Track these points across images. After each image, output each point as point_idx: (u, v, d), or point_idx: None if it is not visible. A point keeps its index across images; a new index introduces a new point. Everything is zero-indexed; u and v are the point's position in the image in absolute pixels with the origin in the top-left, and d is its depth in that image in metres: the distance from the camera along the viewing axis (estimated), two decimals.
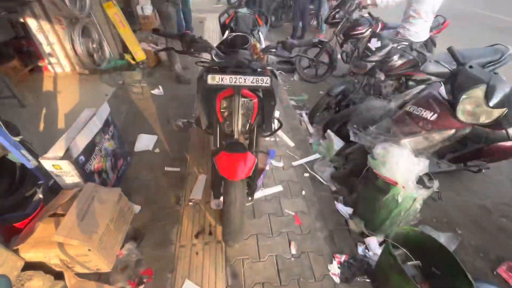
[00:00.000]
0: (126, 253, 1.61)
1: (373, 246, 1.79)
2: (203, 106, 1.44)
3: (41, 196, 1.56)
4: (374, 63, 2.37)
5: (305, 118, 3.10)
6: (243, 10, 2.31)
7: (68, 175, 1.57)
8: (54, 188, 1.67)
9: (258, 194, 2.02)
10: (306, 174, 2.25)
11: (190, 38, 1.26)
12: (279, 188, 2.10)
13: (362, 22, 3.19)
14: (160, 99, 3.13)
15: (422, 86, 1.87)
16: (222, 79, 1.19)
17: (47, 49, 3.03)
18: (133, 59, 3.40)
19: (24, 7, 2.67)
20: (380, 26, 2.80)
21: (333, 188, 2.19)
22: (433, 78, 2.47)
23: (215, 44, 1.55)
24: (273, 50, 1.33)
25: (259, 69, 1.25)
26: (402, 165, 1.63)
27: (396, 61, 2.42)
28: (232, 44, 1.48)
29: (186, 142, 2.51)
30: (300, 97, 3.66)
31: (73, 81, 3.10)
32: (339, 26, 3.37)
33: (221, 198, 1.64)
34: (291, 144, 2.58)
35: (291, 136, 2.69)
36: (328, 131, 2.53)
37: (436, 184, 1.70)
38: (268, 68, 1.26)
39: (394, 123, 1.78)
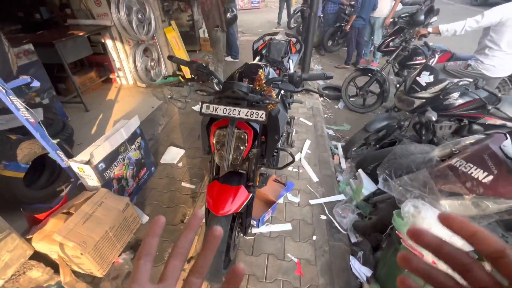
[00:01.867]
0: (122, 262, 1.67)
1: None
2: (203, 133, 1.43)
3: (66, 193, 1.77)
4: (423, 100, 2.01)
5: (340, 151, 2.81)
6: (278, 37, 2.29)
7: (89, 178, 1.75)
8: (81, 187, 1.88)
9: (262, 229, 1.87)
10: (323, 217, 2.00)
11: (197, 66, 1.28)
12: (287, 226, 1.91)
13: (422, 51, 2.80)
14: (198, 116, 3.31)
15: (480, 136, 1.47)
16: (216, 109, 1.16)
17: (117, 64, 3.59)
18: (184, 77, 3.73)
19: (104, 30, 3.24)
20: (436, 58, 2.38)
21: (353, 240, 1.88)
22: (509, 124, 1.96)
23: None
24: (278, 82, 1.24)
25: (258, 102, 1.17)
26: (436, 232, 1.28)
27: (456, 99, 2.01)
28: (245, 73, 1.45)
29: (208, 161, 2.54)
30: (340, 127, 3.38)
31: (132, 92, 3.57)
32: (394, 54, 3.03)
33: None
34: (315, 178, 2.35)
35: (318, 169, 2.46)
36: (359, 171, 2.22)
37: (487, 266, 1.28)
38: (266, 101, 1.17)
39: (433, 177, 1.44)
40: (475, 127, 2.09)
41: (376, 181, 2.15)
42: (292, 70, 2.04)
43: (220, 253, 1.23)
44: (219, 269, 1.26)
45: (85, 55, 3.10)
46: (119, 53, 3.48)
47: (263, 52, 2.16)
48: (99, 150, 1.71)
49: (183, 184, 2.28)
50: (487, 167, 1.25)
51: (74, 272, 1.55)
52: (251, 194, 1.34)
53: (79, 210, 1.52)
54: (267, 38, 2.31)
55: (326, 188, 2.26)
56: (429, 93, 1.96)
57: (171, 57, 1.39)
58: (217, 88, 1.26)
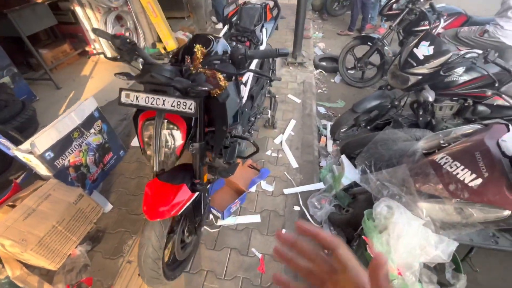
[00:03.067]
0: (78, 254, 1.60)
1: None
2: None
3: (18, 182, 1.66)
4: (420, 77, 1.69)
5: (328, 132, 2.56)
6: (254, 0, 1.93)
7: (39, 167, 1.62)
8: (38, 176, 1.77)
9: (229, 221, 1.74)
10: (297, 208, 1.84)
11: (120, 41, 1.03)
12: (256, 218, 1.77)
13: (428, 15, 2.36)
14: None
15: (476, 126, 1.20)
16: (137, 98, 0.94)
17: (92, 35, 3.29)
18: (164, 48, 3.41)
19: None
20: (441, 23, 1.95)
21: None
22: None
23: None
24: (216, 62, 0.99)
25: (189, 89, 0.94)
26: (407, 240, 1.10)
27: (460, 75, 1.68)
28: (191, 49, 1.19)
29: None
30: (334, 104, 3.08)
31: (107, 66, 3.31)
32: (398, 19, 2.59)
33: None
34: (294, 164, 2.16)
35: (299, 154, 2.25)
36: (342, 156, 2.00)
37: (463, 282, 1.12)
38: (198, 88, 0.93)
39: (412, 174, 1.21)
40: (481, 108, 1.78)
41: None
42: (265, 41, 1.73)
43: (155, 259, 1.10)
44: (157, 275, 1.15)
45: (48, 26, 2.81)
46: (92, 22, 3.16)
47: (234, 19, 1.84)
48: (43, 138, 1.54)
49: (149, 164, 2.13)
50: (477, 168, 1.00)
51: (26, 265, 1.49)
52: (197, 193, 1.18)
53: (20, 205, 1.41)
54: (240, 1, 1.96)
55: (305, 175, 2.07)
56: (427, 69, 1.63)
57: (95, 30, 1.14)
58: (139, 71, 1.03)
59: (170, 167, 1.13)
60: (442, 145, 1.22)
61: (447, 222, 1.11)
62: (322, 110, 2.97)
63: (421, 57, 1.63)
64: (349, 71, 3.33)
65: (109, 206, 1.87)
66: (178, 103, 0.91)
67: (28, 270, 1.47)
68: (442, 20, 1.99)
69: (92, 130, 1.89)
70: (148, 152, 1.07)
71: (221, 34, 1.78)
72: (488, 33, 2.05)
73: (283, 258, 0.35)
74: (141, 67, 1.03)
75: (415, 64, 1.66)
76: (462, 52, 1.60)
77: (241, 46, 0.98)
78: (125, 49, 1.01)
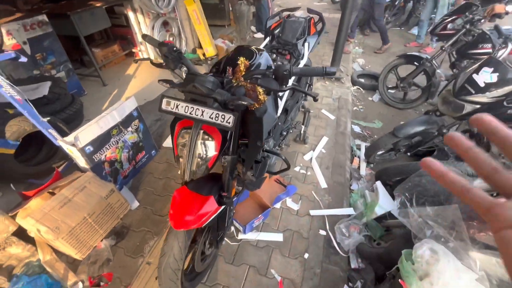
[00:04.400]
0: (102, 247, 1.65)
1: None
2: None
3: (59, 170, 1.77)
4: (478, 106, 1.52)
5: (363, 153, 2.42)
6: (298, 14, 1.90)
7: (79, 159, 1.72)
8: (78, 167, 1.88)
9: (249, 236, 1.69)
10: (322, 232, 1.73)
11: (167, 49, 1.05)
12: (278, 237, 1.69)
13: (491, 38, 2.14)
14: None
15: None
16: (177, 106, 0.94)
17: (139, 38, 3.51)
18: (204, 54, 3.52)
19: (126, 2, 3.13)
20: (508, 49, 1.74)
21: (354, 265, 1.60)
22: None
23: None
24: (258, 76, 0.95)
25: (228, 102, 0.92)
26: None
27: None
28: (232, 60, 1.18)
29: None
30: (370, 124, 2.91)
31: (150, 68, 3.50)
32: (453, 40, 2.39)
33: None
34: (323, 184, 2.05)
35: (329, 174, 2.14)
36: (377, 183, 1.86)
37: None
38: (237, 102, 0.90)
39: (466, 218, 1.06)
40: None
41: None
42: (306, 56, 1.68)
43: (175, 270, 1.08)
44: (176, 285, 1.12)
45: (103, 27, 3.05)
46: (141, 26, 3.37)
47: (276, 31, 1.82)
48: (86, 132, 1.63)
49: (180, 172, 2.16)
50: None
51: (56, 251, 1.57)
52: (223, 207, 1.14)
53: (58, 194, 1.50)
54: (284, 14, 1.94)
55: (334, 197, 1.96)
56: (488, 98, 1.46)
57: (144, 36, 1.18)
58: (182, 79, 1.03)
59: (198, 177, 1.11)
60: None
61: (506, 282, 0.95)
62: (356, 129, 2.82)
63: (482, 85, 1.46)
64: (389, 91, 3.15)
65: (136, 204, 1.92)
66: (217, 115, 0.89)
67: (56, 256, 1.55)
68: (510, 44, 1.78)
69: (130, 129, 1.97)
70: (181, 160, 1.06)
71: (262, 46, 1.78)
72: None
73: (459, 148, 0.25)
74: (184, 76, 1.03)
75: (473, 92, 1.50)
76: None
77: (286, 62, 0.94)
78: (171, 57, 1.03)
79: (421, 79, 2.84)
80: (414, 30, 4.97)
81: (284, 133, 1.73)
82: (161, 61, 1.14)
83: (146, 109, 2.67)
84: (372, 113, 3.09)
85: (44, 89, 2.02)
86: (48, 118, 1.64)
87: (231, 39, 3.84)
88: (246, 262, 1.57)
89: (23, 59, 1.49)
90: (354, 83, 3.48)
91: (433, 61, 2.57)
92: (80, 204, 1.53)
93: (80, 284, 1.49)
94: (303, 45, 1.71)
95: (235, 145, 1.07)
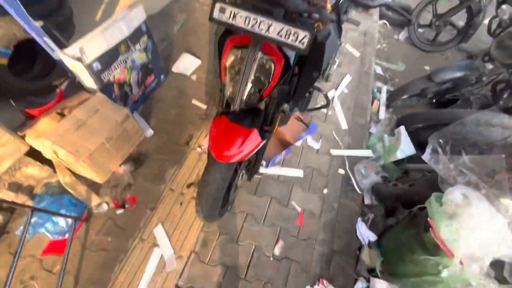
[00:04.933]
0: (121, 172, 1.61)
1: None
2: (220, 47, 1.04)
3: (62, 88, 1.57)
4: None
5: (383, 96, 2.32)
6: None
7: (85, 78, 1.50)
8: (81, 85, 1.66)
9: (271, 170, 1.70)
10: (341, 171, 1.77)
11: None
12: (299, 173, 1.72)
13: None
14: None
15: None
16: (234, 15, 0.74)
17: None
18: None
19: None
20: None
21: (367, 201, 1.70)
22: None
23: None
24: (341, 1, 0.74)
25: (304, 16, 0.73)
26: (480, 236, 1.03)
27: None
28: None
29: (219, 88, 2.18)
30: (393, 66, 2.72)
31: None
32: None
33: None
34: (344, 125, 2.00)
35: (350, 115, 2.08)
36: (401, 128, 1.83)
37: None
38: (324, 17, 0.72)
39: (508, 168, 1.07)
40: None
41: (417, 145, 1.79)
42: None
43: (216, 199, 1.07)
44: (214, 213, 1.14)
45: None
46: None
47: None
48: (91, 45, 1.38)
49: (193, 101, 2.01)
50: None
51: (74, 174, 1.52)
52: (265, 141, 1.07)
53: (71, 115, 1.35)
54: None
55: (354, 139, 1.94)
56: None
57: None
58: None
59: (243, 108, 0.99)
60: None
61: None
62: (378, 70, 2.64)
63: None
64: (419, 29, 2.84)
65: (150, 131, 1.82)
66: (288, 32, 0.72)
67: (75, 178, 1.51)
68: None
69: (138, 46, 1.70)
70: (228, 85, 0.92)
71: None
72: None
73: None
74: None
75: None
76: None
77: None
78: None
79: (460, 19, 2.54)
80: None
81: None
82: None
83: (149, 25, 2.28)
84: (396, 54, 2.86)
85: None
86: (42, 23, 1.34)
87: None
88: (268, 194, 1.62)
89: None
90: (381, 16, 3.09)
91: None
92: (95, 127, 1.40)
93: (105, 205, 1.51)
94: None
95: (291, 73, 0.92)
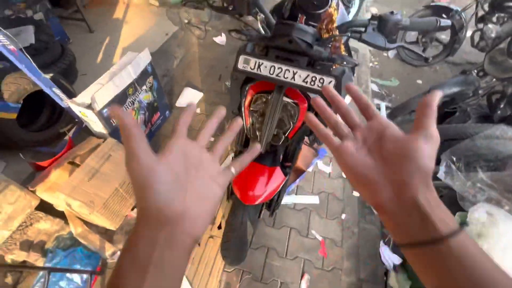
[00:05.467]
0: (134, 216, 1.57)
1: None
2: (235, 89, 1.06)
3: (70, 136, 1.55)
4: None
5: (383, 113, 2.38)
6: None
7: (94, 124, 1.49)
8: (88, 130, 1.65)
9: (286, 200, 1.68)
10: (356, 193, 1.76)
11: None
12: (315, 200, 1.71)
13: None
14: (220, 50, 2.79)
15: None
16: (259, 66, 0.76)
17: None
18: None
19: None
20: None
21: None
22: None
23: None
24: (360, 29, 0.78)
25: (323, 61, 0.76)
26: None
27: None
28: (302, 4, 0.96)
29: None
30: (387, 82, 2.82)
31: (142, 12, 2.96)
32: None
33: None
34: None
35: None
36: None
37: None
38: (340, 61, 0.76)
39: None
40: None
41: None
42: (358, 2, 1.45)
43: (244, 242, 1.04)
44: (242, 256, 1.10)
45: None
46: None
47: None
48: (102, 93, 1.39)
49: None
50: None
51: (86, 223, 1.46)
52: (287, 177, 1.07)
53: (83, 165, 1.32)
54: None
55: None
56: None
57: None
58: (261, 30, 0.83)
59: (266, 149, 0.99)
60: None
61: None
62: (374, 87, 2.73)
63: None
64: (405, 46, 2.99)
65: None
66: (313, 78, 0.74)
67: (88, 228, 1.45)
68: None
69: (144, 87, 1.72)
70: (255, 127, 0.92)
71: None
72: None
73: (313, 124, 0.35)
74: (260, 26, 0.82)
75: None
76: None
77: (395, 12, 0.76)
78: (246, 0, 0.80)
79: (445, 35, 2.70)
80: None
81: None
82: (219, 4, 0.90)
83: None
84: (388, 71, 2.98)
85: (28, 36, 1.63)
86: (51, 75, 1.35)
87: None
88: (287, 224, 1.59)
89: None
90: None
91: (462, 14, 2.41)
92: (109, 174, 1.37)
93: (119, 253, 1.44)
94: None
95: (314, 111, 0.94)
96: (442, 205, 0.27)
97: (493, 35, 1.79)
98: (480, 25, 2.47)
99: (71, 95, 1.53)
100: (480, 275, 0.24)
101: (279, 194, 1.19)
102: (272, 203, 1.22)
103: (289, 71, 0.75)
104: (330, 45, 0.85)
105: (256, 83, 0.87)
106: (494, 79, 1.70)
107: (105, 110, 1.44)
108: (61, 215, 1.40)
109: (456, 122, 1.82)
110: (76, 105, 1.40)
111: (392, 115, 2.23)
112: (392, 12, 0.77)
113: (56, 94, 1.42)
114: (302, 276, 1.41)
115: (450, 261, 0.25)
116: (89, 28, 2.54)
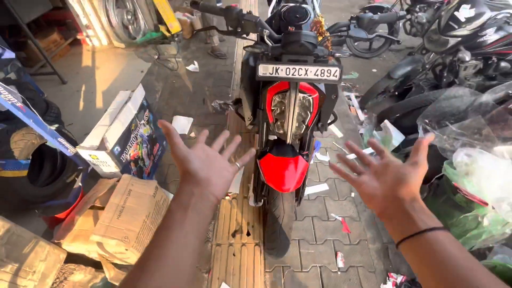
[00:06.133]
0: None
1: None
2: (248, 98, 1.21)
3: (80, 184, 1.53)
4: (459, 39, 1.85)
5: (355, 102, 2.70)
6: None
7: (105, 164, 1.51)
8: (94, 174, 1.64)
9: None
10: None
11: (237, 13, 0.98)
12: (324, 187, 1.87)
13: None
14: (195, 76, 2.94)
15: None
16: (276, 70, 0.92)
17: (84, 21, 2.94)
18: (168, 31, 3.18)
19: None
20: None
21: None
22: None
23: (264, 18, 1.26)
24: (344, 29, 1.00)
25: (325, 56, 0.95)
26: (496, 180, 1.27)
27: (491, 35, 1.86)
28: (288, 19, 1.17)
29: (223, 127, 2.33)
30: (349, 76, 3.20)
31: (110, 55, 3.02)
32: None
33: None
34: (339, 134, 2.26)
35: (340, 124, 2.36)
36: (386, 121, 2.15)
37: None
38: (337, 54, 0.96)
39: (489, 123, 1.38)
40: (503, 64, 2.01)
41: (402, 131, 2.11)
42: (318, 11, 1.73)
43: (289, 228, 1.14)
44: (287, 243, 1.20)
45: (43, 12, 2.45)
46: (84, 6, 2.81)
47: None
48: (111, 132, 1.43)
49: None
50: None
51: (115, 264, 1.43)
52: (308, 164, 1.22)
53: (108, 204, 1.33)
54: None
55: (352, 142, 2.19)
56: (468, 30, 1.79)
57: (195, 4, 1.06)
58: (269, 42, 1.00)
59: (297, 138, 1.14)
60: (511, 95, 1.39)
61: None
62: None
63: (463, 20, 1.77)
64: (355, 43, 3.45)
65: (172, 197, 1.82)
66: (322, 71, 0.92)
67: (120, 270, 1.42)
68: None
69: (142, 121, 1.78)
70: (278, 124, 1.07)
71: (271, 5, 1.75)
72: None
73: (338, 172, 0.54)
74: (266, 40, 0.99)
75: (456, 27, 1.81)
76: (494, 13, 1.78)
77: (367, 11, 0.98)
78: (253, 21, 0.97)
79: (383, 28, 3.18)
80: None
81: None
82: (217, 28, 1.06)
83: None
84: (346, 66, 3.35)
85: (16, 95, 1.61)
86: (56, 126, 1.36)
87: (191, 11, 3.53)
88: (308, 214, 1.72)
89: (10, 54, 1.16)
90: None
91: (393, 9, 2.90)
92: (134, 208, 1.39)
93: None
94: (312, 1, 1.74)
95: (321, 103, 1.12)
96: (427, 210, 0.38)
97: (424, 20, 2.21)
98: (408, 16, 3.00)
99: (73, 143, 1.54)
100: (453, 267, 0.30)
101: (303, 182, 1.33)
102: (299, 192, 1.35)
103: (302, 69, 0.92)
104: (324, 44, 1.05)
105: (272, 86, 1.03)
106: (433, 55, 2.08)
107: (116, 148, 1.47)
108: (91, 263, 1.36)
109: (415, 95, 2.15)
110: (86, 150, 1.42)
111: (363, 101, 2.54)
112: (365, 12, 1.00)
113: (62, 144, 1.43)
114: (336, 255, 1.53)
115: (427, 251, 0.33)
116: (61, 80, 2.52)
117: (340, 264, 1.49)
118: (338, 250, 1.55)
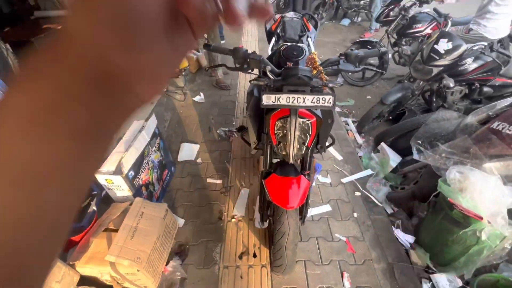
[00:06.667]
0: (171, 270, 1.59)
1: (443, 285, 1.53)
2: (253, 124, 1.35)
3: (95, 208, 1.61)
4: (441, 68, 2.05)
5: (352, 127, 2.85)
6: (290, 14, 2.16)
7: (119, 189, 1.60)
8: (106, 198, 1.73)
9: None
10: (358, 193, 2.04)
11: (243, 53, 1.16)
12: (327, 208, 1.93)
13: (421, 19, 2.82)
14: (201, 106, 3.14)
15: None
16: (278, 99, 1.07)
17: None
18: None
19: None
20: (449, 24, 2.43)
21: (389, 211, 1.95)
22: None
23: (265, 55, 1.45)
24: (335, 63, 1.17)
25: (319, 87, 1.10)
26: (488, 195, 1.35)
27: (470, 64, 2.06)
28: (287, 56, 1.36)
29: (227, 152, 2.45)
30: (345, 103, 3.40)
31: None
32: (393, 24, 3.03)
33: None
34: (339, 157, 2.37)
35: (339, 148, 2.48)
36: (382, 144, 2.27)
37: None
38: (330, 85, 1.11)
39: (475, 143, 1.49)
40: (486, 89, 2.19)
41: (398, 153, 2.22)
42: (312, 49, 1.95)
43: (295, 244, 1.20)
44: (295, 259, 1.24)
45: None
46: None
47: (278, 31, 2.04)
48: (127, 158, 1.55)
49: (208, 180, 2.19)
50: None
51: None
52: (311, 183, 1.31)
53: (123, 225, 1.40)
54: (277, 16, 2.17)
55: (351, 165, 2.29)
56: (448, 60, 2.00)
57: (207, 46, 1.25)
58: (271, 76, 1.16)
59: (299, 158, 1.25)
60: (491, 116, 1.52)
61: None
62: (337, 109, 3.26)
63: (442, 52, 1.99)
64: (349, 73, 3.71)
65: (181, 221, 1.88)
66: (318, 99, 1.06)
67: None
68: (449, 21, 2.43)
69: (154, 148, 1.91)
70: (281, 146, 1.19)
71: (270, 45, 1.97)
72: (473, 31, 2.53)
73: None
74: (269, 74, 1.16)
75: (437, 58, 2.02)
76: (470, 45, 2.00)
77: (353, 49, 1.16)
78: (258, 59, 1.14)
79: (373, 60, 3.45)
80: (344, 21, 5.85)
81: None
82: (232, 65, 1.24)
83: None
84: (342, 94, 3.59)
85: None
86: None
87: (197, 49, 3.86)
88: (312, 235, 1.76)
89: None
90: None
91: (381, 43, 3.19)
92: (146, 229, 1.45)
93: None
94: (307, 40, 1.97)
95: (319, 126, 1.25)
96: None
97: (409, 52, 2.45)
98: (396, 48, 3.29)
99: None
100: None
101: (306, 201, 1.41)
102: (303, 210, 1.43)
103: (300, 98, 1.06)
104: (319, 77, 1.21)
105: (275, 113, 1.17)
106: (421, 82, 2.27)
107: (130, 173, 1.58)
108: (102, 286, 1.39)
109: (408, 119, 2.31)
110: (102, 175, 1.52)
111: (360, 125, 2.69)
112: (352, 50, 1.18)
113: None
114: (342, 276, 1.55)
115: None
116: None
117: (347, 284, 1.51)
118: (344, 270, 1.57)
